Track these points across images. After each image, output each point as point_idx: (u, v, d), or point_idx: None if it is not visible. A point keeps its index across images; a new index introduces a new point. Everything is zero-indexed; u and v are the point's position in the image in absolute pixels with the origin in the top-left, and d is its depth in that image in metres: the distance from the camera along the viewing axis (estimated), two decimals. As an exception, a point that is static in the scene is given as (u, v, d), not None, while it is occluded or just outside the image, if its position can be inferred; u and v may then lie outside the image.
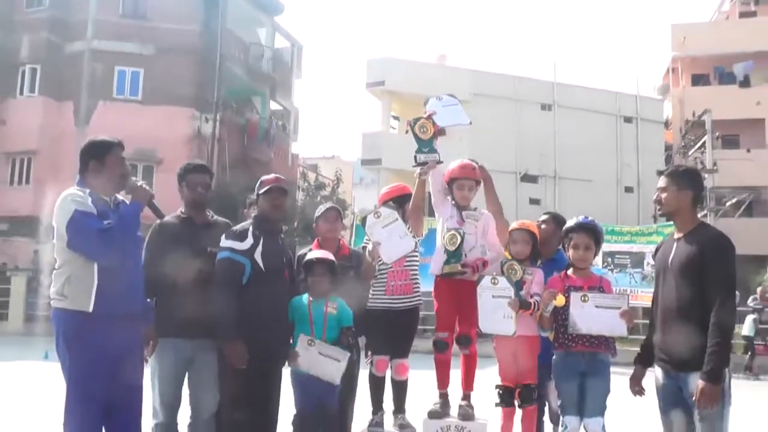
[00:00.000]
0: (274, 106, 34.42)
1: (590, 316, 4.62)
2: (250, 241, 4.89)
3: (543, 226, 5.50)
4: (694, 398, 3.92)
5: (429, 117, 5.27)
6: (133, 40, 27.80)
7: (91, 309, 4.22)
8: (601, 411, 4.69)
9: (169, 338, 4.83)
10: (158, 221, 5.03)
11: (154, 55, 27.79)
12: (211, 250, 4.98)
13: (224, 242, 4.92)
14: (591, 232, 4.89)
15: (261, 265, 4.87)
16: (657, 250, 4.55)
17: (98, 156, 4.47)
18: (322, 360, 4.85)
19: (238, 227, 5.06)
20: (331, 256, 5.11)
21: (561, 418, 4.79)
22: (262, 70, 32.12)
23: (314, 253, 5.14)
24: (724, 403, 3.93)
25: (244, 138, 30.19)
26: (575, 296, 4.66)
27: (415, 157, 5.22)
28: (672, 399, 4.16)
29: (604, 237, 5.24)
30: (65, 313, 4.27)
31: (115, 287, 4.29)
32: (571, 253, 4.90)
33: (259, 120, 31.66)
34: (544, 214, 5.85)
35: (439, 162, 5.23)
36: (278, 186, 5.10)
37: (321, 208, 5.73)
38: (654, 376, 4.30)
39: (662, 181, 4.33)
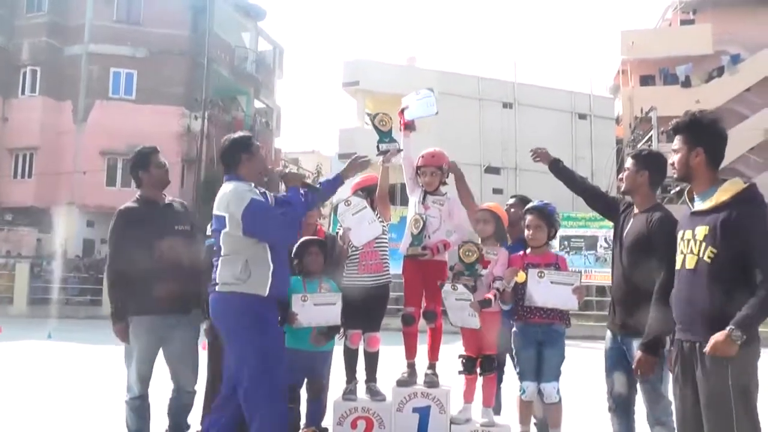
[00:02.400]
0: (257, 104, 34.38)
1: (546, 290, 4.60)
2: None
3: (512, 210, 5.47)
4: (633, 366, 3.91)
5: (401, 111, 5.26)
6: (127, 43, 27.64)
7: (266, 293, 4.21)
8: (556, 376, 4.70)
9: (143, 316, 4.70)
10: (120, 208, 4.91)
11: (147, 57, 27.66)
12: (178, 228, 4.91)
13: (210, 230, 4.86)
14: (540, 213, 4.87)
15: None
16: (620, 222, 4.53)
17: (246, 149, 4.51)
18: (319, 310, 4.83)
19: None
20: (320, 238, 5.14)
21: (520, 383, 4.79)
22: (246, 72, 32.14)
23: (305, 237, 5.12)
24: (664, 365, 3.86)
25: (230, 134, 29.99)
26: (532, 272, 4.65)
27: (378, 146, 5.20)
28: (616, 361, 4.19)
29: (561, 222, 5.22)
30: (242, 296, 4.20)
31: (281, 272, 4.33)
32: (526, 233, 4.89)
33: (244, 117, 31.60)
34: (512, 197, 5.80)
35: (399, 150, 5.18)
36: None
37: None
38: (605, 340, 4.33)
39: (627, 162, 4.36)
